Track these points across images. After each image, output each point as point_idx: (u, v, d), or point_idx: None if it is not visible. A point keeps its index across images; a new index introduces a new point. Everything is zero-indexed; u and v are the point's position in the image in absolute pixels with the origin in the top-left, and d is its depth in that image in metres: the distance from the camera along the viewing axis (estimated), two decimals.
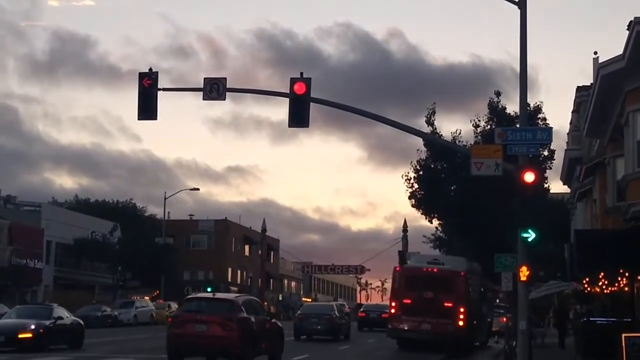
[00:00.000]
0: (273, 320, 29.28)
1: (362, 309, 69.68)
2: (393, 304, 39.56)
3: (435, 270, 39.10)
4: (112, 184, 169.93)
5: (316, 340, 45.68)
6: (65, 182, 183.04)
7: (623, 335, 23.76)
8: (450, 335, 37.45)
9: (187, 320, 25.93)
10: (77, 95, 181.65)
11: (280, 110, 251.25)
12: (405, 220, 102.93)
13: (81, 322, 37.46)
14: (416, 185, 46.52)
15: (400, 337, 40.16)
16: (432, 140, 41.38)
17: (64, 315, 36.14)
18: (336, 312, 47.87)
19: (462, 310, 37.70)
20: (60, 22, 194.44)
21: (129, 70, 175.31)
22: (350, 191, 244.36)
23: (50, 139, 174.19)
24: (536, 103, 44.72)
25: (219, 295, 29.13)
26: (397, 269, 40.16)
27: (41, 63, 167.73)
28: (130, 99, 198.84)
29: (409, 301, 38.45)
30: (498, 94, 45.86)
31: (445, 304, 37.77)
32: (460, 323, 37.55)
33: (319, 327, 46.32)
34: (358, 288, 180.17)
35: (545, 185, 46.46)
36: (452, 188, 46.02)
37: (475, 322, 40.14)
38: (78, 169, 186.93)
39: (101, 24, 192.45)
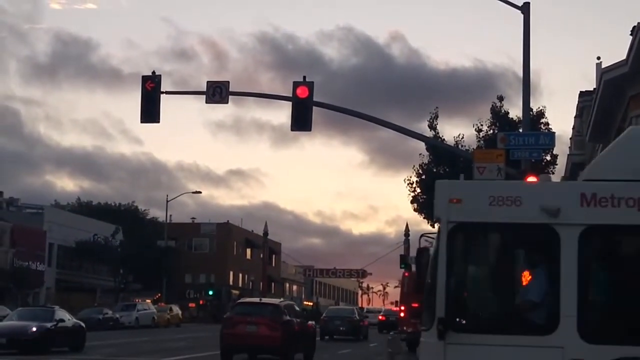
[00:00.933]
0: (309, 323, 32.93)
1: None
2: (402, 308, 41.97)
3: None
4: (114, 186, 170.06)
5: (338, 339, 49.70)
6: (67, 184, 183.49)
7: None
8: None
9: (239, 322, 29.29)
10: (78, 98, 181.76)
11: (281, 114, 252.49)
12: (407, 224, 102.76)
13: (83, 324, 37.48)
14: (418, 190, 46.48)
15: (409, 340, 41.48)
16: (435, 144, 41.36)
17: (66, 317, 36.15)
18: (357, 315, 52.69)
19: None
20: (62, 25, 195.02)
21: (131, 73, 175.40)
22: (352, 195, 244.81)
23: (51, 142, 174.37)
24: (539, 108, 44.68)
25: (265, 300, 34.39)
26: (406, 274, 42.47)
27: (43, 65, 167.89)
28: (131, 101, 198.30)
29: (417, 305, 39.66)
30: (501, 98, 45.82)
31: None
32: None
33: (342, 329, 51.04)
34: (360, 292, 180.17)
35: None
36: None
37: None
38: (79, 172, 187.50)
39: (103, 26, 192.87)
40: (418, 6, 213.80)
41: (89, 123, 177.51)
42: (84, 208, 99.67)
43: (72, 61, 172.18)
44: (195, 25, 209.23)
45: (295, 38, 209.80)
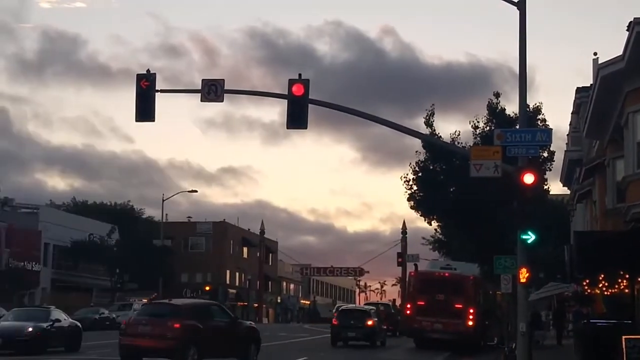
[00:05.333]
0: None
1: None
2: (408, 305, 44.21)
3: (447, 274, 43.29)
4: (105, 185, 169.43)
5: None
6: (58, 183, 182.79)
7: (623, 337, 23.76)
8: (460, 334, 41.14)
9: (341, 327, 44.07)
10: (67, 96, 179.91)
11: (272, 111, 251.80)
12: (404, 222, 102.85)
13: (79, 324, 37.47)
14: (415, 187, 46.47)
15: (414, 336, 44.17)
16: (431, 141, 41.35)
17: (62, 317, 36.14)
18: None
19: (471, 311, 41.58)
20: (49, 22, 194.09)
21: (120, 69, 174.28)
22: (345, 192, 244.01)
23: (41, 140, 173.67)
24: (535, 104, 44.66)
25: (360, 306, 38.59)
26: (412, 273, 45.50)
27: (30, 63, 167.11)
28: (121, 99, 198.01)
29: (422, 303, 42.50)
30: (497, 95, 45.79)
31: (456, 306, 41.70)
32: (470, 323, 41.38)
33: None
34: (357, 290, 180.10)
35: (545, 187, 46.44)
36: (452, 190, 45.94)
37: (486, 322, 44.38)
38: (70, 170, 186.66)
39: (91, 23, 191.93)
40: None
41: (78, 121, 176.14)
42: (80, 207, 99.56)
43: (60, 58, 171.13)
44: (184, 22, 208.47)
45: (286, 33, 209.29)
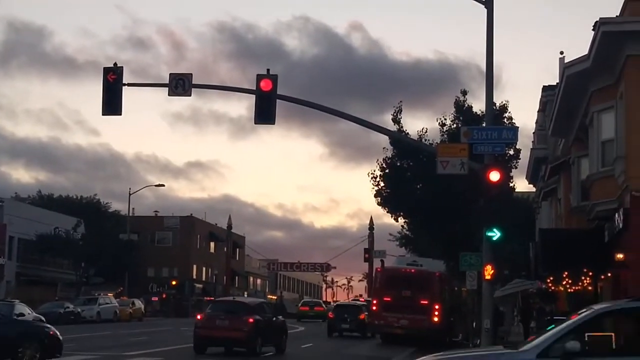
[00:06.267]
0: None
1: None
2: (374, 301, 44.20)
3: (413, 271, 43.50)
4: (71, 178, 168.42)
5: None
6: (22, 176, 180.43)
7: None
8: (426, 330, 41.36)
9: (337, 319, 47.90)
10: (32, 88, 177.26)
11: (239, 105, 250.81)
12: (371, 218, 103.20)
13: (43, 318, 37.21)
14: (382, 184, 46.59)
15: (380, 332, 44.72)
16: (399, 138, 41.46)
17: (26, 311, 35.99)
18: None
19: (436, 307, 41.77)
20: (15, 12, 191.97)
21: (86, 62, 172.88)
22: (313, 188, 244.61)
23: (5, 132, 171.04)
24: (502, 102, 44.94)
25: (354, 302, 40.38)
26: (378, 269, 46.27)
27: None
28: (87, 91, 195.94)
29: (389, 299, 42.66)
30: (464, 92, 46.02)
31: (421, 302, 41.86)
32: (435, 319, 41.58)
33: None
34: (324, 286, 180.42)
35: (511, 184, 46.76)
36: (418, 186, 46.11)
37: (452, 318, 44.56)
38: (35, 163, 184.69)
39: (57, 14, 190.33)
40: None
41: (43, 113, 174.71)
42: (45, 201, 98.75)
43: (25, 49, 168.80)
44: (151, 14, 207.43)
45: (255, 28, 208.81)
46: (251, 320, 30.96)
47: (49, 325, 25.98)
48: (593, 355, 11.23)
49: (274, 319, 33.79)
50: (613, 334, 11.71)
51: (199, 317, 32.90)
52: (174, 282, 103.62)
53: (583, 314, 11.96)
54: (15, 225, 78.04)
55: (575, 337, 11.25)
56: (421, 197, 44.73)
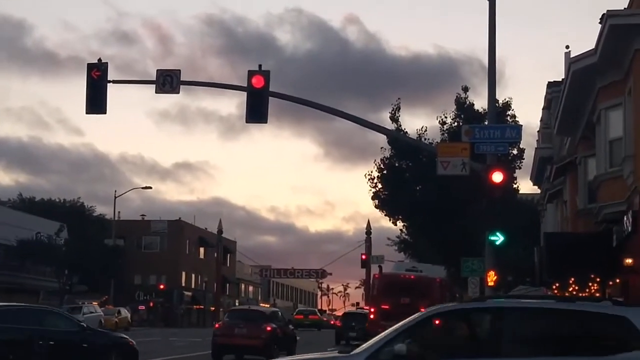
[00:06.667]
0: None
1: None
2: (372, 309, 44.07)
3: (412, 277, 43.25)
4: (52, 180, 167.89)
5: None
6: (2, 178, 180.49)
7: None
8: None
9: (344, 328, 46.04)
10: (11, 85, 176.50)
11: (229, 103, 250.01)
12: (368, 222, 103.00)
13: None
14: (380, 185, 46.60)
15: None
16: (397, 137, 41.45)
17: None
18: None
19: None
20: None
21: (68, 57, 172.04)
22: (307, 190, 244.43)
23: None
24: (505, 99, 45.05)
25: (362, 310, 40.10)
26: (376, 276, 45.94)
27: None
28: (70, 88, 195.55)
29: (387, 307, 42.24)
30: (466, 89, 46.11)
31: (422, 310, 39.69)
32: None
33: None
34: (319, 293, 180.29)
35: (514, 186, 46.84)
36: (418, 188, 46.15)
37: None
38: (15, 165, 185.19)
39: (37, 7, 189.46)
40: None
41: (23, 111, 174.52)
42: (26, 204, 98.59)
43: (4, 44, 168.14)
44: (136, 7, 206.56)
45: (245, 21, 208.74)
46: (269, 328, 33.25)
47: (124, 335, 28.61)
48: (419, 359, 11.61)
49: (286, 326, 36.55)
50: (441, 336, 11.97)
51: (217, 325, 35.37)
52: (161, 286, 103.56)
53: (415, 316, 12.36)
54: None
55: (407, 340, 11.54)
56: (421, 199, 44.73)
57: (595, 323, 11.54)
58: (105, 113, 27.04)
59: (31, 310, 25.41)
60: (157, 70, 27.35)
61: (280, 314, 38.16)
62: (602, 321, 11.50)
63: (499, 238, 25.24)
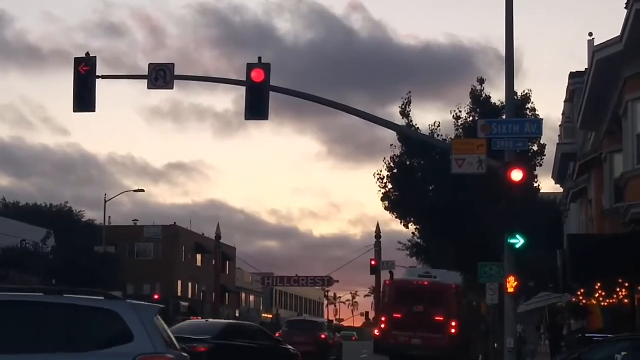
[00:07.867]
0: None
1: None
2: (383, 318, 43.81)
3: (426, 283, 43.39)
4: (37, 184, 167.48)
5: None
6: None
7: (622, 353, 23.94)
8: (441, 350, 40.88)
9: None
10: None
11: (225, 98, 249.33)
12: (378, 225, 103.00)
13: None
14: (390, 185, 46.52)
15: (390, 354, 43.84)
16: (408, 134, 41.39)
17: None
18: None
19: (453, 324, 41.43)
20: None
21: (52, 51, 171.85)
22: (310, 191, 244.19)
23: None
24: (524, 91, 44.81)
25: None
26: (387, 283, 45.60)
27: None
28: (54, 84, 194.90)
29: (399, 315, 42.30)
30: (481, 81, 45.86)
31: (436, 318, 41.51)
32: (452, 338, 41.15)
33: None
34: (326, 302, 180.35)
35: (535, 185, 46.62)
36: (431, 188, 46.04)
37: (470, 337, 44.34)
38: None
39: None
40: None
41: (4, 110, 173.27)
42: (10, 210, 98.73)
43: None
44: None
45: (242, 10, 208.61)
46: (323, 336, 43.54)
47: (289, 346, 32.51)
48: None
49: (335, 335, 45.43)
50: None
51: (277, 334, 37.69)
52: (156, 296, 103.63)
53: None
54: None
55: None
56: (434, 200, 44.64)
57: (86, 318, 11.91)
58: (94, 111, 27.02)
59: None
60: (150, 64, 27.31)
61: (327, 324, 49.32)
62: (94, 315, 11.94)
63: (519, 241, 25.20)
